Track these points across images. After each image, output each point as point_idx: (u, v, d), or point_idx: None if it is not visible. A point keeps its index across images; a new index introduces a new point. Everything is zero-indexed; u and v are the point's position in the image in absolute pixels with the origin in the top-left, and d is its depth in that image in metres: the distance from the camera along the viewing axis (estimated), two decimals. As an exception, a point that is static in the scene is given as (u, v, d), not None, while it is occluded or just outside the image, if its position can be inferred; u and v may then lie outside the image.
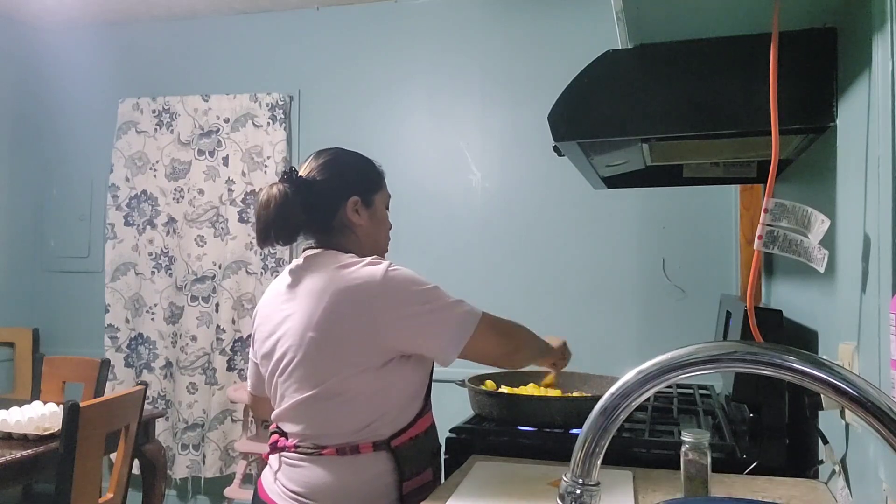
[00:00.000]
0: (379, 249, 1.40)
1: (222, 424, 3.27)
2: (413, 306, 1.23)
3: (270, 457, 1.33)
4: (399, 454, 1.25)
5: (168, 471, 3.12)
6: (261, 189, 1.35)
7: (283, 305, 1.30)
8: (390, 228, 1.44)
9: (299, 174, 1.33)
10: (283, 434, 1.32)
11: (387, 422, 1.26)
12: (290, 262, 1.48)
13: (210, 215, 3.34)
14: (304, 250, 1.37)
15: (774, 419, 1.39)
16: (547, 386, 1.75)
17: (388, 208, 1.44)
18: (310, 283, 1.26)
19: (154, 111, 3.45)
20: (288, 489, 1.26)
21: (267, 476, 1.32)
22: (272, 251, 3.25)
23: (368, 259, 1.26)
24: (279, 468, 1.29)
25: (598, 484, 0.61)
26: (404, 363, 1.27)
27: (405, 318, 1.22)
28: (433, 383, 1.39)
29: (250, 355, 1.44)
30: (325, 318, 1.21)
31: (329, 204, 1.34)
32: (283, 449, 1.29)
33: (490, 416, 1.65)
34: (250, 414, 3.08)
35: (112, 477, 2.29)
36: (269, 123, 3.30)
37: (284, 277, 1.35)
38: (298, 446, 1.27)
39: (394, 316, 1.21)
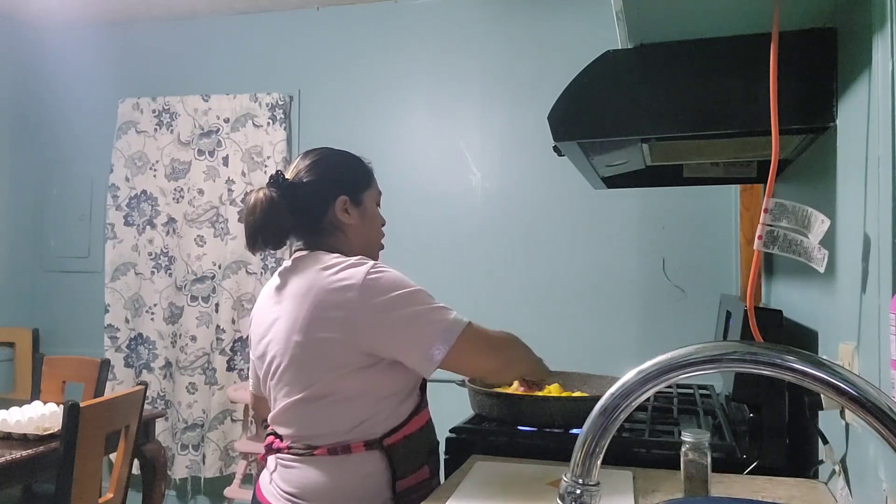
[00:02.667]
0: (371, 248, 1.38)
1: (222, 424, 3.27)
2: (392, 312, 1.19)
3: (267, 458, 1.33)
4: (392, 453, 1.25)
5: (168, 471, 3.12)
6: (249, 192, 1.34)
7: (273, 308, 1.29)
8: (383, 225, 1.42)
9: (286, 177, 1.32)
10: (278, 436, 1.31)
11: (378, 421, 1.25)
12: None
13: (210, 215, 3.34)
14: (294, 252, 1.36)
15: (774, 419, 1.39)
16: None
17: (378, 205, 1.42)
18: (295, 286, 1.25)
19: (154, 111, 3.45)
20: (283, 490, 1.26)
21: (264, 477, 1.33)
22: (272, 251, 3.25)
23: (352, 260, 1.24)
24: (275, 469, 1.30)
25: (598, 484, 0.61)
26: (393, 364, 1.25)
27: (383, 324, 1.19)
28: (430, 381, 1.37)
29: (250, 355, 1.44)
30: (309, 322, 1.20)
31: (317, 205, 1.33)
32: (277, 450, 1.29)
33: (490, 416, 1.65)
34: (250, 414, 3.08)
35: (112, 477, 2.29)
36: (269, 123, 3.30)
37: (275, 280, 1.34)
38: (291, 447, 1.27)
39: (372, 321, 1.19)
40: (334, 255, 1.28)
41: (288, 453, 1.27)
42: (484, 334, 1.27)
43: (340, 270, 1.21)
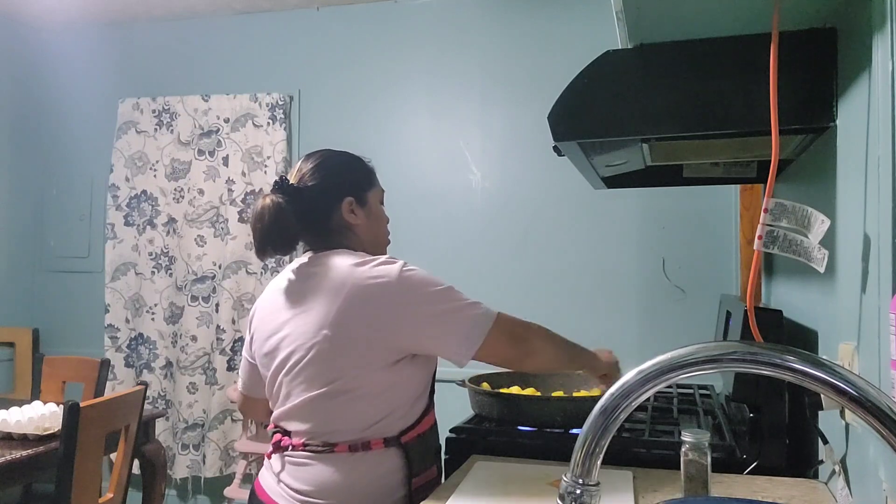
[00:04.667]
0: (379, 246, 1.40)
1: (222, 424, 3.27)
2: (428, 307, 1.22)
3: (273, 457, 1.31)
4: (408, 450, 1.26)
5: (168, 471, 3.12)
6: (255, 199, 1.35)
7: (289, 304, 1.28)
8: (388, 222, 1.44)
9: (290, 182, 1.33)
10: (287, 433, 1.30)
11: (396, 418, 1.26)
12: (290, 261, 1.48)
13: (210, 215, 3.34)
14: (305, 251, 1.36)
15: (774, 419, 1.39)
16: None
17: (382, 203, 1.44)
18: (322, 282, 1.25)
19: (154, 111, 3.45)
20: (294, 489, 1.24)
21: (266, 477, 1.31)
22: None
23: (383, 258, 1.26)
24: (282, 469, 1.28)
25: (598, 484, 0.61)
26: (413, 360, 1.27)
27: (420, 319, 1.22)
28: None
29: (244, 355, 1.42)
30: (341, 316, 1.20)
31: (324, 208, 1.33)
32: (287, 448, 1.28)
33: (490, 416, 1.65)
34: (250, 414, 3.08)
35: (112, 477, 2.29)
36: (269, 123, 3.30)
37: (287, 276, 1.34)
38: (307, 444, 1.25)
39: (409, 317, 1.21)
40: (360, 252, 1.30)
41: (302, 451, 1.25)
42: (512, 324, 1.29)
43: (375, 267, 1.23)
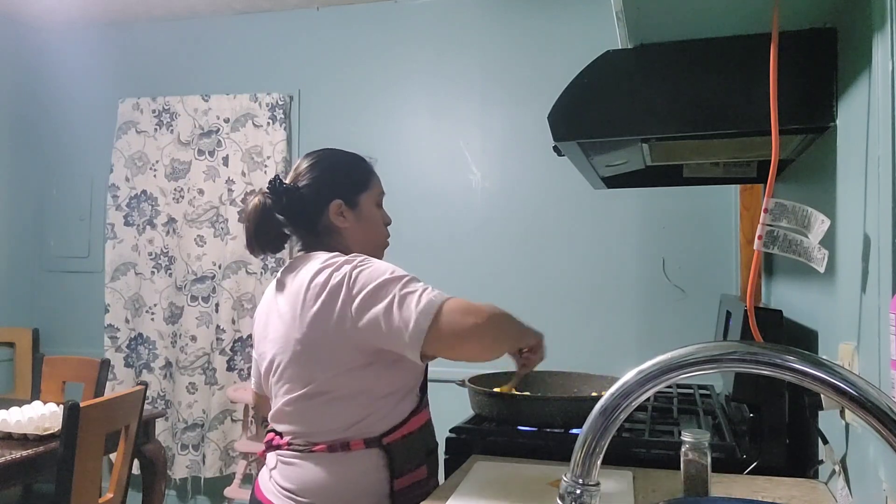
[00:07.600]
0: (372, 248, 1.37)
1: (222, 424, 3.27)
2: (373, 301, 1.18)
3: (267, 455, 1.34)
4: (391, 451, 1.25)
5: (168, 471, 3.12)
6: (249, 195, 1.36)
7: (272, 307, 1.31)
8: (388, 224, 1.42)
9: (283, 181, 1.34)
10: (279, 433, 1.32)
11: (378, 419, 1.25)
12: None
13: (210, 215, 3.34)
14: (298, 250, 1.38)
15: (774, 419, 1.39)
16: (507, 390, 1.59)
17: (380, 206, 1.41)
18: (293, 286, 1.26)
19: (154, 111, 3.45)
20: (281, 487, 1.27)
21: (263, 474, 1.34)
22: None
23: (344, 258, 1.25)
24: (275, 466, 1.30)
25: (598, 484, 0.61)
26: (391, 363, 1.24)
27: (367, 315, 1.18)
28: (431, 382, 1.38)
29: (253, 354, 1.45)
30: (304, 321, 1.22)
31: (311, 210, 1.34)
32: (277, 447, 1.30)
33: (490, 416, 1.65)
34: (250, 414, 3.08)
35: (112, 477, 2.29)
36: (269, 123, 3.30)
37: (275, 280, 1.36)
38: (291, 444, 1.28)
39: (357, 314, 1.18)
40: (331, 253, 1.29)
41: (288, 450, 1.28)
42: (464, 308, 1.17)
43: (333, 270, 1.22)
